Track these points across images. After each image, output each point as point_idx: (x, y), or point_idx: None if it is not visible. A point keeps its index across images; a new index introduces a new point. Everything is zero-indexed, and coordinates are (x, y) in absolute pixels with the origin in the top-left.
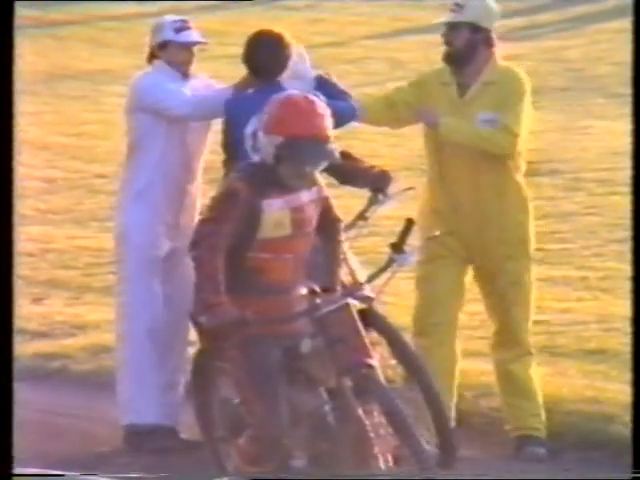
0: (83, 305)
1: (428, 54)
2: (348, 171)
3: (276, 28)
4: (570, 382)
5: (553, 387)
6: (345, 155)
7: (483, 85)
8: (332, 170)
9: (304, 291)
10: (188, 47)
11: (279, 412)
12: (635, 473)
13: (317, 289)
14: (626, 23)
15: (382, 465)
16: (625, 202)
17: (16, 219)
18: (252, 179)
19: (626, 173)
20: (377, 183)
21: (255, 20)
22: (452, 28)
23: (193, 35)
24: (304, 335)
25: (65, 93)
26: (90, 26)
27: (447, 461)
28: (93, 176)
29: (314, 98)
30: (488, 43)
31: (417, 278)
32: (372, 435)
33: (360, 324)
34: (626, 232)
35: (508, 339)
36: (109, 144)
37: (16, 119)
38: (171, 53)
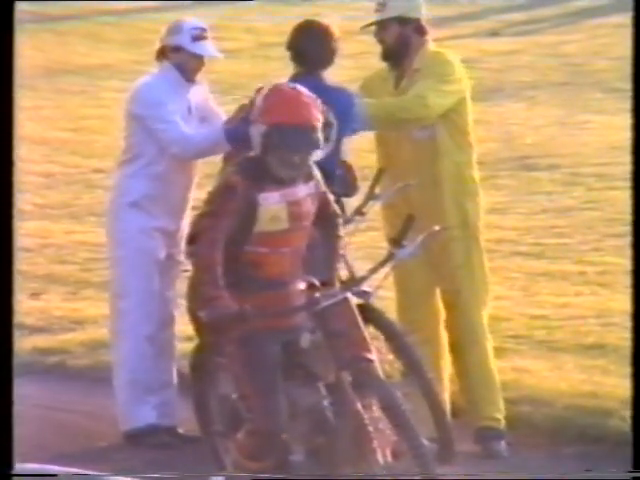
0: (81, 300)
1: None
2: (347, 179)
3: (325, 20)
4: (568, 377)
5: (551, 382)
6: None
7: (413, 72)
8: (338, 183)
9: (303, 285)
10: (201, 57)
11: (278, 407)
12: (635, 473)
13: (316, 283)
14: (624, 18)
15: (380, 460)
16: (623, 197)
17: (16, 214)
18: (249, 173)
19: (624, 168)
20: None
21: (252, 15)
22: (381, 27)
23: (208, 48)
24: (303, 330)
25: (63, 88)
26: (88, 21)
27: (445, 455)
28: (91, 171)
29: (301, 88)
30: (420, 32)
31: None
32: (371, 429)
33: (360, 318)
34: (624, 227)
35: (460, 323)
36: (107, 139)
37: (15, 114)
38: (183, 59)
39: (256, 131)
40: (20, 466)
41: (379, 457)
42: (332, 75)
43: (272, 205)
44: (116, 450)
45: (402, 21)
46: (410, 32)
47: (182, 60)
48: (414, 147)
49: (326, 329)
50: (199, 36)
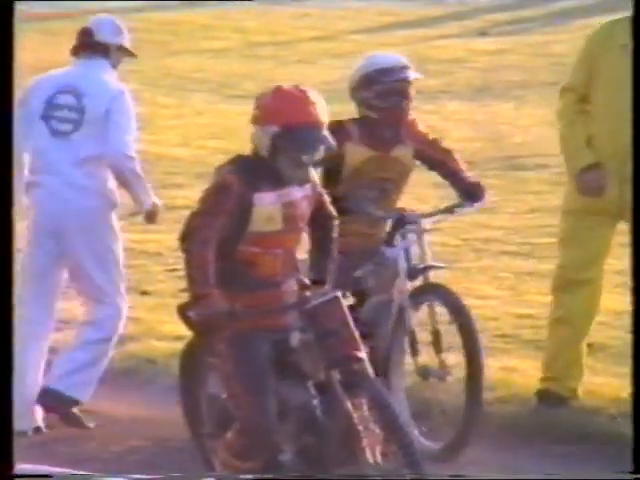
0: (70, 300)
1: (416, 48)
2: (449, 170)
3: None
4: None
5: (538, 380)
6: (448, 153)
7: None
8: (433, 165)
9: (294, 286)
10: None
11: (267, 406)
12: (636, 475)
13: (307, 282)
14: (613, 18)
15: (370, 459)
16: None
17: (16, 214)
18: (244, 172)
19: None
20: (470, 191)
21: (241, 14)
22: None
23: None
24: (293, 329)
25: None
26: (78, 21)
27: (452, 453)
28: None
29: (305, 88)
30: None
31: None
32: (360, 429)
33: (350, 317)
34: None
35: None
36: None
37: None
38: (120, 56)
39: (264, 133)
40: (20, 466)
41: (368, 456)
42: (325, 75)
43: (267, 206)
44: (103, 450)
45: None
46: None
47: (119, 56)
48: None
49: (316, 328)
50: (120, 30)
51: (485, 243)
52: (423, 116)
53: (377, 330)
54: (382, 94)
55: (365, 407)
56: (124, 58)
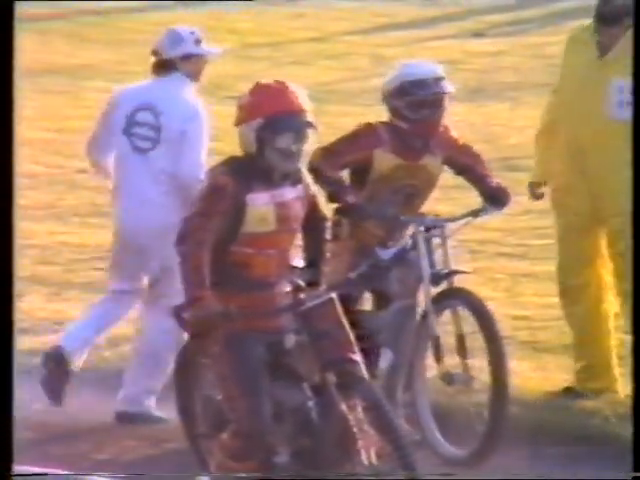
0: (64, 301)
1: (411, 50)
2: (476, 175)
3: None
4: (551, 377)
5: (535, 382)
6: (476, 158)
7: (624, 52)
8: (461, 170)
9: (288, 287)
10: (205, 57)
11: (262, 408)
12: (636, 474)
13: (302, 284)
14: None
15: (365, 460)
16: None
17: (15, 215)
18: (238, 173)
19: None
20: (495, 196)
21: (236, 15)
22: None
23: (211, 46)
24: (288, 330)
25: (46, 88)
26: (71, 21)
27: (479, 459)
28: (74, 171)
29: (284, 80)
30: None
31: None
32: (355, 430)
33: (344, 319)
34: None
35: None
36: None
37: (15, 115)
38: (191, 65)
39: (249, 129)
40: (19, 467)
41: (363, 458)
42: (320, 76)
43: (260, 206)
44: (97, 450)
45: None
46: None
47: (192, 66)
48: None
49: (311, 330)
50: (199, 38)
51: (481, 245)
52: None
53: (400, 335)
54: (414, 106)
55: (360, 409)
56: (204, 63)
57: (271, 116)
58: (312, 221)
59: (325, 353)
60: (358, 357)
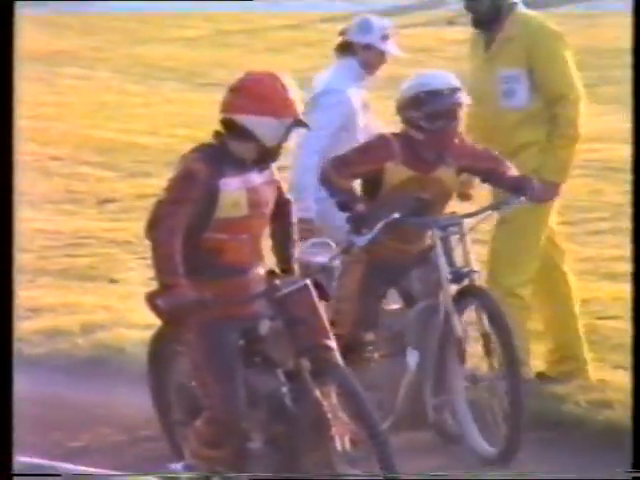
0: (38, 288)
1: None
2: (498, 177)
3: None
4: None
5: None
6: (494, 160)
7: (505, 40)
8: (483, 177)
9: (262, 272)
10: (385, 55)
11: (236, 394)
12: (635, 473)
13: (276, 270)
14: (576, 8)
15: (339, 447)
16: (598, 188)
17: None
18: (210, 159)
19: (598, 155)
20: (517, 186)
21: (213, 3)
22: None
23: (395, 46)
24: (262, 317)
25: (20, 75)
26: (47, 7)
27: (507, 456)
28: (48, 158)
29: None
30: None
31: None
32: (330, 417)
33: (319, 305)
34: (586, 214)
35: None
36: (64, 126)
37: (15, 115)
38: (370, 57)
39: (280, 124)
40: (19, 463)
41: (337, 444)
42: (295, 64)
43: (233, 191)
44: (70, 439)
45: None
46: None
47: (369, 58)
48: None
49: (286, 316)
50: (388, 35)
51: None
52: (393, 104)
53: (425, 335)
54: (430, 117)
55: (334, 395)
56: (378, 63)
57: (297, 118)
58: (279, 206)
59: (300, 339)
60: (333, 343)
